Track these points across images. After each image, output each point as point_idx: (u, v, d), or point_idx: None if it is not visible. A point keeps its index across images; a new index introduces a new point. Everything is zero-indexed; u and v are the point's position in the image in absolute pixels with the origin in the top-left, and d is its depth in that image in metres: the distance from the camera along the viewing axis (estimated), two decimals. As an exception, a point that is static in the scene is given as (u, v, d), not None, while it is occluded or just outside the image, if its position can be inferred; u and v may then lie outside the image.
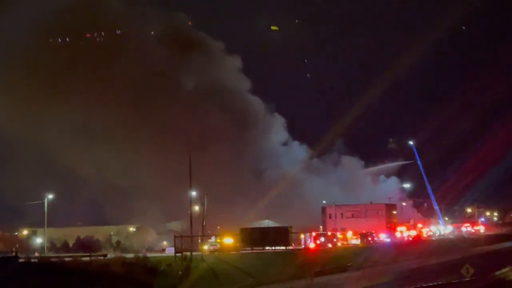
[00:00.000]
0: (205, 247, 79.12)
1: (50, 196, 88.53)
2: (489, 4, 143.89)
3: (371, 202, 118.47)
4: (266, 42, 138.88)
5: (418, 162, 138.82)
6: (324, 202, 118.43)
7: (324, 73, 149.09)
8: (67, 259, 60.75)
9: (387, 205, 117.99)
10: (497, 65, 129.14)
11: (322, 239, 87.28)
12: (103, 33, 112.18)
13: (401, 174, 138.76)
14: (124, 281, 46.94)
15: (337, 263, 62.69)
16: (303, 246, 79.27)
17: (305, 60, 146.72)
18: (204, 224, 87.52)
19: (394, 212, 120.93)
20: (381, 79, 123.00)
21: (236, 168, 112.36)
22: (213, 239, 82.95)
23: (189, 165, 70.26)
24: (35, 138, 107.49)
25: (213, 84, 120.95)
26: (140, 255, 62.06)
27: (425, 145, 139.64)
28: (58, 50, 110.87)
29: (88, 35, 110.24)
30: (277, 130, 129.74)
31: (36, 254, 79.31)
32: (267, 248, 76.40)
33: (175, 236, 71.36)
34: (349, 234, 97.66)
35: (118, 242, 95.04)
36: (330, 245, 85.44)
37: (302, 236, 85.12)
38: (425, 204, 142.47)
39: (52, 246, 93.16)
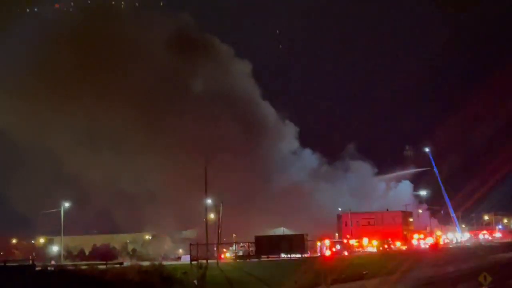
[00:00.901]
0: (228, 254, 79.59)
1: (67, 205, 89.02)
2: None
3: (387, 210, 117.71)
4: (277, 48, 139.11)
5: (435, 169, 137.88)
6: (339, 209, 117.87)
7: (338, 77, 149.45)
8: (83, 267, 60.64)
9: (403, 212, 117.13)
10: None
11: (338, 246, 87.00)
12: (113, 39, 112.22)
13: (416, 180, 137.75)
14: (141, 289, 47.13)
15: (353, 270, 62.43)
16: (319, 254, 78.96)
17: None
18: (220, 231, 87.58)
19: (411, 220, 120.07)
20: (393, 85, 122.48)
21: (249, 175, 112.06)
22: (234, 246, 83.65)
23: (204, 173, 70.34)
24: (47, 146, 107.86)
25: (226, 91, 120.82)
26: (156, 263, 62.15)
27: (441, 152, 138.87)
28: (69, 56, 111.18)
29: (98, 41, 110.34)
30: (288, 138, 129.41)
31: (53, 263, 79.39)
32: (282, 255, 76.22)
33: (190, 244, 71.53)
34: (365, 241, 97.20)
35: (134, 250, 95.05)
36: (346, 253, 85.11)
37: (318, 243, 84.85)
38: (442, 211, 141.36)
39: (69, 254, 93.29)
